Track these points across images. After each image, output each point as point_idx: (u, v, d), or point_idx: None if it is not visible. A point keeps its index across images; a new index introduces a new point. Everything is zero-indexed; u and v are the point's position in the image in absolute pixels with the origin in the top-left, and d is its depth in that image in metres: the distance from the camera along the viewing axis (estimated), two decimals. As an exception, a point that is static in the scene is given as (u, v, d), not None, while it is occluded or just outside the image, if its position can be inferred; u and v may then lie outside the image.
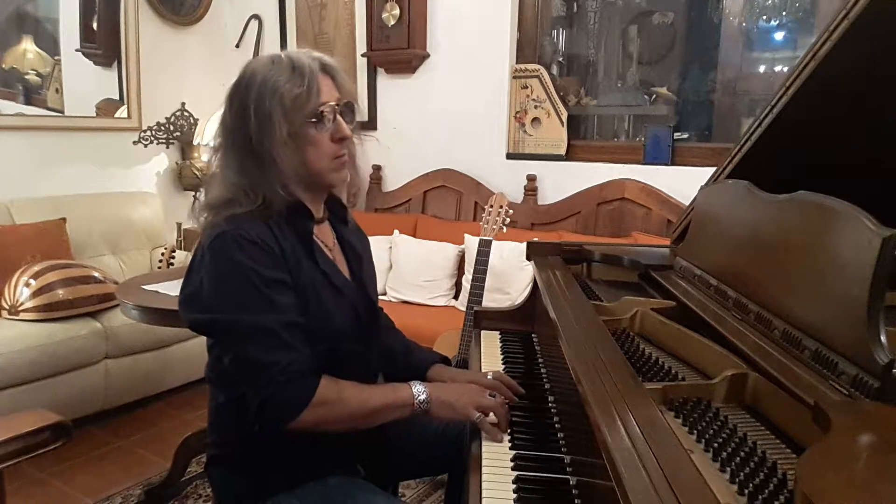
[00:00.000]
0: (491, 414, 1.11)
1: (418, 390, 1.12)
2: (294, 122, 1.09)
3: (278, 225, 1.12)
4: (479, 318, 1.68)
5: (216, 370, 1.20)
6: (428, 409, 1.12)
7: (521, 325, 1.65)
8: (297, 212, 1.16)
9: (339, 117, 1.14)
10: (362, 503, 1.14)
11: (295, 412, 1.05)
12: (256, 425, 1.06)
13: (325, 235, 1.24)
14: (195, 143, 3.59)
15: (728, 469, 0.71)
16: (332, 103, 1.13)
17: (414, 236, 3.25)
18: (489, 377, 1.24)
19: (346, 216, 1.32)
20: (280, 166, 1.10)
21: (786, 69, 2.82)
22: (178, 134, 3.75)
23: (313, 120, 1.11)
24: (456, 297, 3.02)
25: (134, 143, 3.57)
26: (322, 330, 1.13)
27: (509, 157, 3.31)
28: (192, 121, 3.77)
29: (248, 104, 1.09)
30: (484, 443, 1.07)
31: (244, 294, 1.06)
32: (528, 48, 3.30)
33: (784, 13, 2.89)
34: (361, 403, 1.10)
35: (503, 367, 1.41)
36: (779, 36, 2.95)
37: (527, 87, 3.21)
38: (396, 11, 3.34)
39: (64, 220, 2.99)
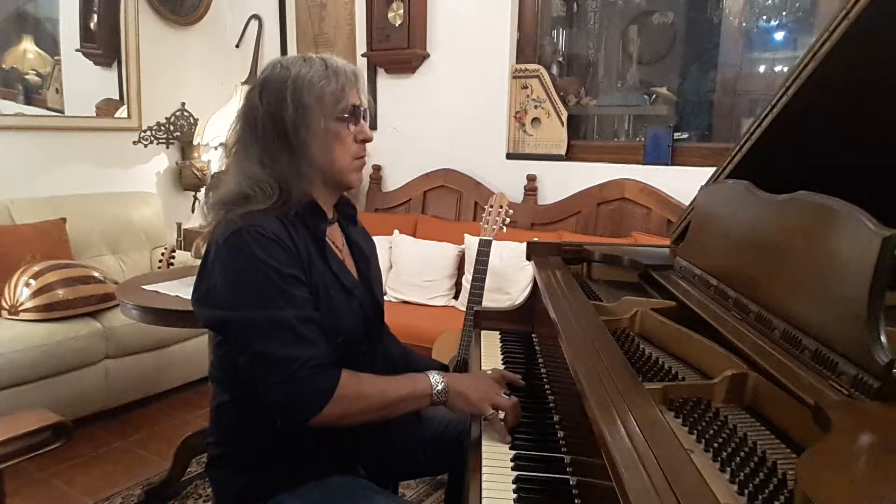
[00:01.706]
0: (501, 413, 1.11)
1: (436, 380, 1.13)
2: (328, 117, 1.13)
3: (293, 224, 1.13)
4: (479, 318, 1.68)
5: (224, 368, 1.19)
6: (445, 401, 1.12)
7: (521, 325, 1.65)
8: (311, 212, 1.17)
9: (362, 120, 1.18)
10: (363, 503, 1.14)
11: (318, 407, 1.04)
12: (278, 422, 1.06)
13: (335, 236, 1.25)
14: (195, 143, 3.59)
15: (728, 469, 0.71)
16: (360, 105, 1.17)
17: (414, 236, 3.25)
18: (488, 374, 1.25)
19: (355, 216, 1.34)
20: (310, 157, 1.13)
21: (786, 69, 2.82)
22: (178, 134, 3.75)
23: (345, 117, 1.15)
24: (456, 297, 3.02)
25: (134, 143, 3.58)
26: (331, 329, 1.13)
27: (509, 157, 3.31)
28: (192, 121, 3.77)
29: (285, 94, 1.11)
30: (484, 443, 1.07)
31: (262, 290, 1.06)
32: (528, 48, 3.30)
33: (784, 13, 2.89)
34: (381, 395, 1.10)
35: (503, 367, 1.41)
36: (779, 36, 2.95)
37: (527, 87, 3.21)
38: (402, 11, 3.34)
39: (64, 220, 2.99)
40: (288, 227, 1.11)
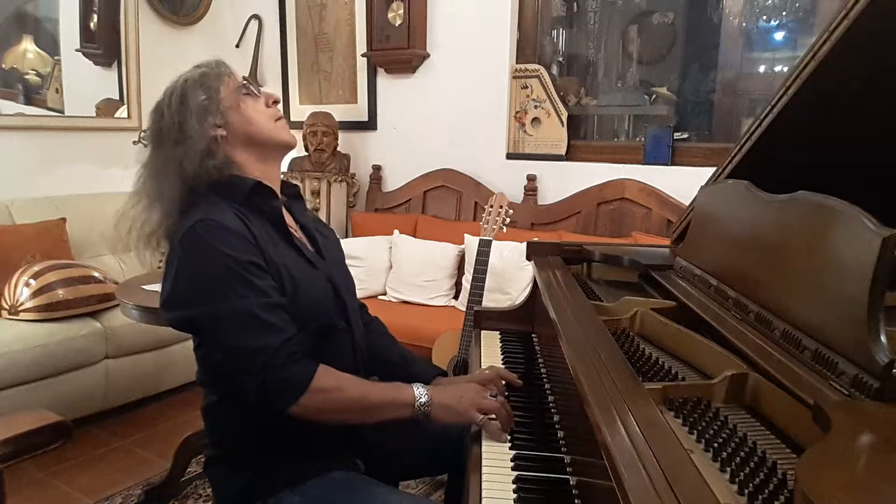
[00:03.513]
0: (493, 414, 1.11)
1: (420, 392, 1.12)
2: (232, 94, 1.19)
3: (243, 213, 1.13)
4: (479, 318, 1.68)
5: (206, 370, 1.20)
6: (429, 413, 1.12)
7: (521, 325, 1.65)
8: (259, 192, 1.18)
9: (260, 88, 1.25)
10: (365, 497, 1.14)
11: (295, 394, 1.05)
12: (259, 412, 1.07)
13: (287, 219, 1.25)
14: (195, 143, 3.59)
15: (728, 469, 0.71)
16: (248, 80, 1.24)
17: (414, 236, 3.25)
18: (485, 372, 1.25)
19: (298, 192, 1.37)
20: (233, 128, 1.18)
21: (786, 69, 2.82)
22: (178, 134, 3.75)
23: (245, 93, 1.20)
24: (456, 297, 3.02)
25: (134, 143, 3.54)
26: (303, 307, 1.13)
27: (509, 157, 3.31)
28: (192, 121, 3.76)
29: (184, 90, 1.17)
30: (484, 443, 1.07)
31: (222, 282, 1.06)
32: (528, 48, 3.30)
33: (784, 13, 2.89)
34: (362, 395, 1.10)
35: (503, 367, 1.41)
36: (779, 36, 2.95)
37: (527, 87, 3.21)
38: (402, 11, 3.34)
39: (64, 220, 2.99)
40: (241, 215, 1.12)
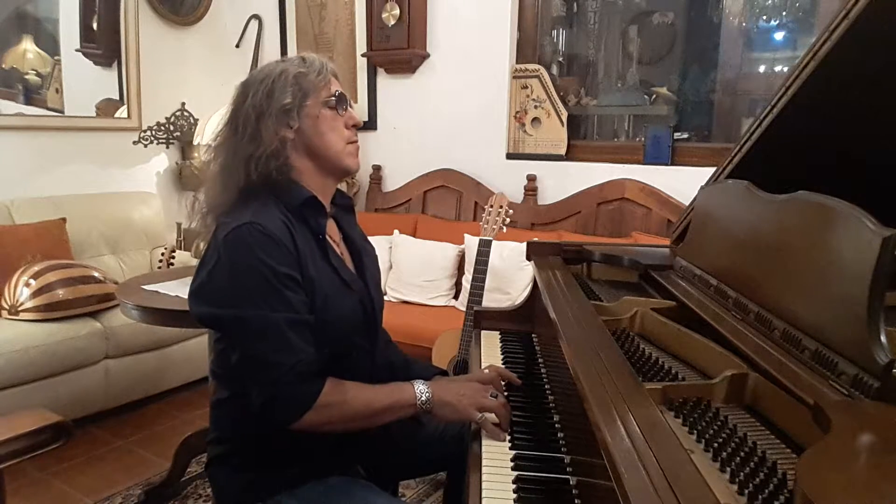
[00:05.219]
0: (492, 414, 1.11)
1: (421, 390, 1.13)
2: (316, 105, 1.16)
3: (290, 220, 1.13)
4: (479, 318, 1.68)
5: (222, 365, 1.20)
6: (431, 409, 1.12)
7: (521, 325, 1.65)
8: (310, 207, 1.17)
9: (350, 107, 1.21)
10: (362, 503, 1.14)
11: (298, 413, 1.06)
12: (261, 423, 1.07)
13: (332, 231, 1.25)
14: (195, 142, 3.59)
15: (728, 469, 0.71)
16: (344, 93, 1.20)
17: (414, 236, 3.25)
18: (485, 372, 1.26)
19: (352, 205, 1.35)
20: (306, 141, 1.16)
21: (786, 69, 2.82)
22: (178, 134, 3.75)
23: (333, 103, 1.17)
24: (456, 297, 3.02)
25: (134, 143, 3.57)
26: (331, 324, 1.13)
27: (509, 157, 3.31)
28: (192, 121, 3.77)
29: (274, 84, 1.14)
30: (484, 442, 1.07)
31: (255, 289, 1.06)
32: (528, 48, 3.30)
33: (784, 13, 2.89)
34: (366, 404, 1.11)
35: (503, 367, 1.41)
36: (779, 36, 2.95)
37: (527, 87, 3.21)
38: (396, 11, 3.34)
39: (64, 220, 2.99)
40: (289, 224, 1.12)
